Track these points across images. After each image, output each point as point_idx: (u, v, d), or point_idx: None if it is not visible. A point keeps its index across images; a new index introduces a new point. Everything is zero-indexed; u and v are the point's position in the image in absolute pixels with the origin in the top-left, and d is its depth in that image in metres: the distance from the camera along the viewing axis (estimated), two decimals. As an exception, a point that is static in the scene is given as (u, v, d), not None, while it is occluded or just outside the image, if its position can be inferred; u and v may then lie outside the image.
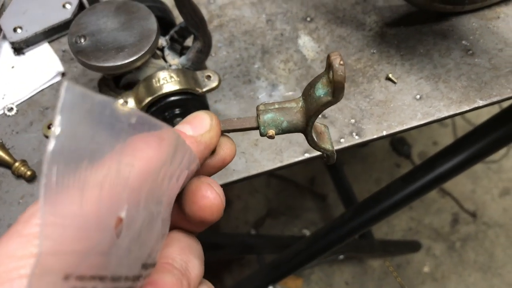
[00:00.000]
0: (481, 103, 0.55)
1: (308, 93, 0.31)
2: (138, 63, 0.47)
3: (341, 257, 1.49)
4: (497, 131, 0.71)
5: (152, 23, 0.48)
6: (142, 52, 0.47)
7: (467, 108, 0.55)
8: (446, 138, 1.81)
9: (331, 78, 0.28)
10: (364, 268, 1.61)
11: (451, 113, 0.55)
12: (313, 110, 0.30)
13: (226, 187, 0.52)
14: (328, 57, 0.28)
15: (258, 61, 0.60)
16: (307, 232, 1.63)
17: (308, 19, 0.62)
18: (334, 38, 0.61)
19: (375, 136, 0.54)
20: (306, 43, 0.61)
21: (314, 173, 1.70)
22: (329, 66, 0.29)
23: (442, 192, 1.72)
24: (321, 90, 0.29)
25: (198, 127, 0.29)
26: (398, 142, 1.78)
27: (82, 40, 0.47)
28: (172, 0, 0.46)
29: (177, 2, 0.46)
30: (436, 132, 1.84)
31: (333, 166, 1.55)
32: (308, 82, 0.32)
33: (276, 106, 0.32)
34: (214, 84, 0.51)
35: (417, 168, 0.84)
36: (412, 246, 1.60)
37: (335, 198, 1.64)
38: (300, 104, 0.32)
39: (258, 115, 0.32)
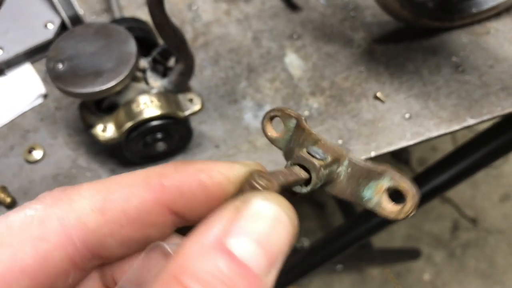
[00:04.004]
0: (471, 121, 0.54)
1: (356, 179, 0.25)
2: (118, 88, 0.46)
3: (339, 266, 1.48)
4: (497, 139, 0.69)
5: (131, 47, 0.47)
6: (121, 77, 0.46)
7: (457, 127, 0.54)
8: (445, 144, 1.80)
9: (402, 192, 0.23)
10: (363, 277, 1.59)
11: (441, 132, 0.54)
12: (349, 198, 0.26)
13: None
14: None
15: (244, 80, 0.59)
16: (305, 241, 1.61)
17: (295, 36, 0.61)
18: (321, 55, 0.60)
19: (363, 157, 0.53)
20: (293, 61, 0.59)
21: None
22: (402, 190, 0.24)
23: (442, 198, 1.70)
24: (372, 194, 0.24)
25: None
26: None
27: (60, 65, 0.46)
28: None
29: (156, 25, 0.45)
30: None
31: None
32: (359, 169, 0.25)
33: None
34: (196, 107, 0.50)
35: (417, 178, 0.83)
36: (412, 254, 1.58)
37: (333, 206, 1.62)
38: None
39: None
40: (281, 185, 0.22)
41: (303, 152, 0.26)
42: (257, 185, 0.21)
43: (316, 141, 0.26)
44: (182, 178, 0.22)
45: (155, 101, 0.48)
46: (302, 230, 1.63)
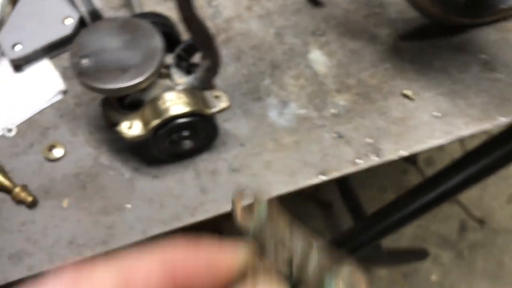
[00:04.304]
0: (502, 120, 0.53)
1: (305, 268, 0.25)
2: (144, 85, 0.45)
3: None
4: (510, 143, 0.68)
5: (158, 42, 0.46)
6: (148, 73, 0.44)
7: (489, 126, 0.52)
8: (452, 144, 1.79)
9: None
10: (370, 277, 1.58)
11: (472, 131, 0.52)
12: None
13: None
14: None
15: (268, 77, 0.57)
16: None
17: (319, 32, 0.60)
18: (346, 52, 0.58)
19: (394, 156, 0.51)
20: (317, 58, 0.58)
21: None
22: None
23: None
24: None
25: None
26: (403, 148, 1.75)
27: (84, 61, 0.44)
28: (177, 15, 0.43)
29: (184, 19, 0.44)
30: (441, 137, 1.81)
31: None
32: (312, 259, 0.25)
33: None
34: (223, 104, 0.49)
35: (426, 181, 0.82)
36: (420, 254, 1.57)
37: (340, 206, 1.61)
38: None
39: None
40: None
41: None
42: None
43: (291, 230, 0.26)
44: (193, 267, 0.23)
45: (183, 98, 0.46)
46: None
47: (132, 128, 0.46)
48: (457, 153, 1.60)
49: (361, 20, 0.61)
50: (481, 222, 1.67)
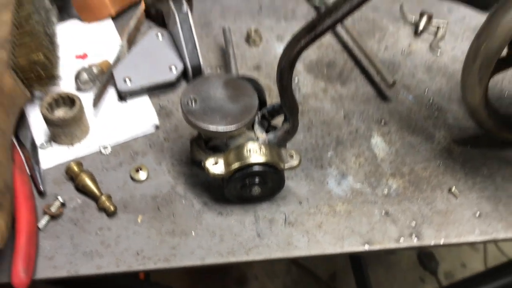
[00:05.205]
0: (538, 232, 0.58)
1: None
2: (236, 132, 0.53)
3: None
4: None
5: (254, 100, 0.55)
6: (242, 124, 0.53)
7: (525, 235, 0.58)
8: (475, 263, 1.78)
9: None
10: None
11: (509, 236, 0.58)
12: None
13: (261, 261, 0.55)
14: None
15: (332, 150, 0.65)
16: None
17: (383, 122, 0.68)
18: (404, 144, 0.66)
19: (433, 242, 0.57)
20: (378, 143, 0.66)
21: (336, 268, 1.68)
22: None
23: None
24: None
25: None
26: (425, 256, 1.75)
27: (193, 103, 0.53)
28: (262, 83, 0.52)
29: (282, 86, 0.52)
30: (466, 254, 1.81)
31: (358, 265, 1.53)
32: None
33: None
34: (295, 162, 0.56)
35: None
36: None
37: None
38: None
39: None
40: None
41: None
42: None
43: None
44: None
45: (263, 149, 0.54)
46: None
47: (216, 166, 0.54)
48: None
49: (421, 119, 0.69)
50: None
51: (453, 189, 0.61)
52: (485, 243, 0.57)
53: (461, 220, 0.59)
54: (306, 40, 0.47)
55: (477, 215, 0.59)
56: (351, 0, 0.44)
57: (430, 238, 0.57)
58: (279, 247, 0.56)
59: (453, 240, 0.57)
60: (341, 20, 0.46)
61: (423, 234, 0.58)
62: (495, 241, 0.58)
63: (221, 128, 0.52)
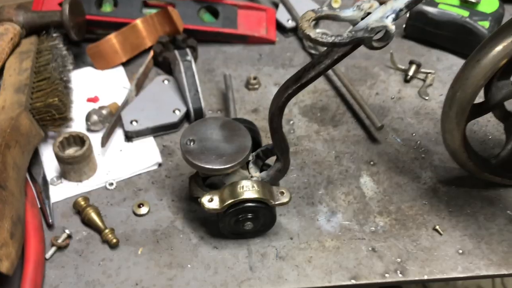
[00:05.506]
0: (519, 270, 0.60)
1: None
2: (230, 170, 0.58)
3: None
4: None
5: (248, 141, 0.60)
6: (236, 162, 0.57)
7: (505, 272, 0.60)
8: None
9: None
10: None
11: (490, 273, 0.60)
12: None
13: (276, 292, 0.58)
14: None
15: (323, 188, 0.69)
16: None
17: (372, 163, 0.72)
18: (392, 184, 0.70)
19: (417, 278, 0.60)
20: (367, 183, 0.70)
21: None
22: None
23: None
24: None
25: None
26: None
27: (192, 143, 0.58)
28: (259, 124, 0.57)
29: (272, 129, 0.57)
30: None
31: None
32: None
33: None
34: (285, 199, 0.60)
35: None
36: None
37: None
38: None
39: None
40: None
41: None
42: None
43: None
44: None
45: (255, 187, 0.58)
46: None
47: (211, 202, 0.58)
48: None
49: (408, 161, 0.73)
50: None
51: (438, 227, 0.65)
52: (467, 279, 0.60)
53: (445, 257, 0.62)
54: (293, 89, 0.53)
55: (460, 252, 0.62)
56: (331, 55, 0.50)
57: (415, 274, 0.60)
58: (269, 280, 0.60)
59: (437, 276, 0.60)
60: (323, 72, 0.51)
61: (407, 270, 0.61)
62: (476, 278, 0.60)
63: (216, 166, 0.57)
